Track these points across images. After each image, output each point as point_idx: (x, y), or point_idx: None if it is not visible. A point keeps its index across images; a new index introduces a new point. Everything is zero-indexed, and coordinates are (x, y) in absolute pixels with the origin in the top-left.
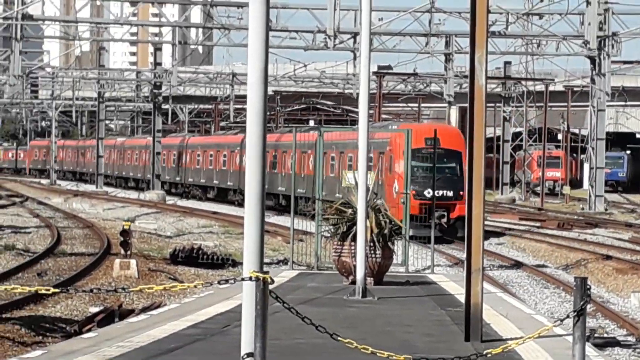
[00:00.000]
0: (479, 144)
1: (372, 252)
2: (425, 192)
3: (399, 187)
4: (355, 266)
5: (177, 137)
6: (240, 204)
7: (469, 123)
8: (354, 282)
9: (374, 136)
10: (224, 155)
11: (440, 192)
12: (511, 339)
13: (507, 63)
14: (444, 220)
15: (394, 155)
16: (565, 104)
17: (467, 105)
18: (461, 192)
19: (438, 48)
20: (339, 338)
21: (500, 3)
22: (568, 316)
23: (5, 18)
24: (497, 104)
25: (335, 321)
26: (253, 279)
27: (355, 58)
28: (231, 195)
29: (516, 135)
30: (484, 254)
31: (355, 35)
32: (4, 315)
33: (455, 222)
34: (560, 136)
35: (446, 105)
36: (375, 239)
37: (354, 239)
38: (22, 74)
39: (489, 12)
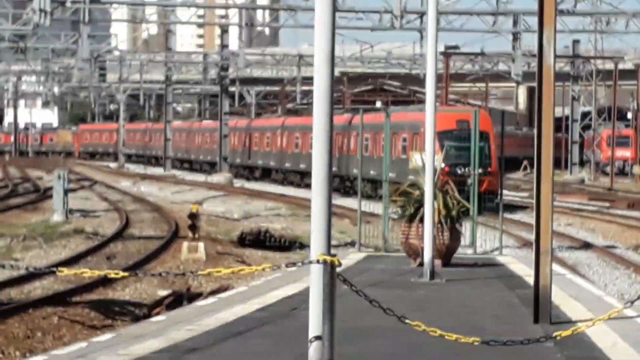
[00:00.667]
0: (547, 124)
1: (440, 234)
2: (457, 169)
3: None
4: (422, 248)
5: (243, 120)
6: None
7: (537, 103)
8: (421, 265)
9: (407, 117)
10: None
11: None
12: (581, 321)
13: (576, 41)
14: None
15: (420, 139)
16: (635, 82)
17: (535, 85)
18: (489, 169)
19: (505, 27)
20: (407, 321)
21: None
22: (639, 297)
23: (73, 2)
24: (566, 83)
25: (403, 304)
26: (320, 262)
27: (422, 38)
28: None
29: (585, 114)
30: (553, 235)
31: (422, 15)
32: (73, 299)
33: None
34: (629, 115)
35: (514, 85)
36: (442, 220)
37: (422, 220)
38: (90, 57)
39: None
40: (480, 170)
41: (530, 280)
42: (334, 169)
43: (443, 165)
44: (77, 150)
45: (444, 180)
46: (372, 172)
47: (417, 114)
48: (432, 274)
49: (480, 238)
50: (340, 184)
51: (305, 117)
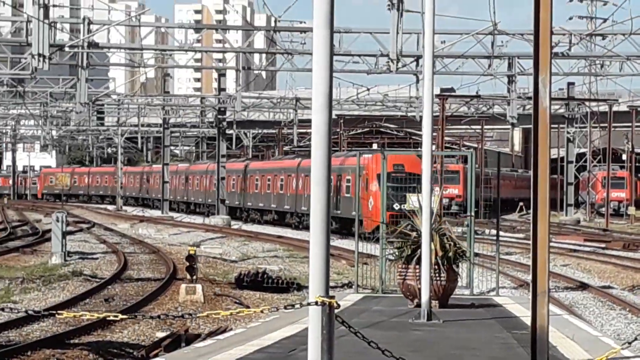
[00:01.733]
0: (543, 166)
1: (437, 275)
2: (394, 206)
3: (373, 202)
4: (420, 289)
5: (239, 163)
6: (296, 227)
7: (533, 145)
8: (419, 305)
9: (347, 162)
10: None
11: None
12: None
13: (571, 84)
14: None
15: (369, 178)
16: (630, 124)
17: (530, 126)
18: None
19: (501, 70)
20: None
21: (563, 24)
22: (636, 339)
23: (71, 46)
24: (561, 125)
25: (401, 345)
26: (319, 303)
27: (417, 81)
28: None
29: (580, 156)
30: (550, 275)
31: (417, 58)
32: (72, 341)
33: None
34: (624, 156)
35: (509, 127)
36: (439, 261)
37: (419, 262)
38: (88, 101)
39: (552, 33)
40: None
41: (527, 321)
42: (286, 206)
43: (397, 207)
44: (40, 192)
45: (441, 222)
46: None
47: (348, 159)
48: (430, 315)
49: (477, 279)
50: (292, 218)
51: (274, 161)
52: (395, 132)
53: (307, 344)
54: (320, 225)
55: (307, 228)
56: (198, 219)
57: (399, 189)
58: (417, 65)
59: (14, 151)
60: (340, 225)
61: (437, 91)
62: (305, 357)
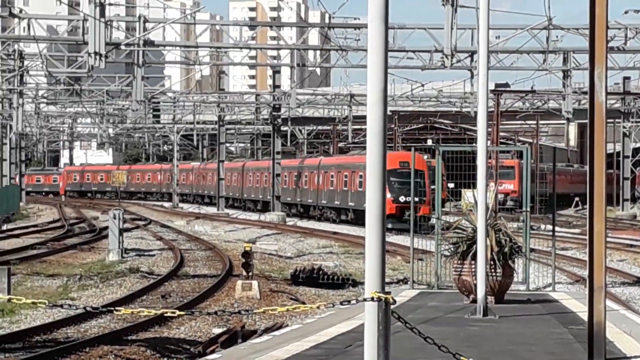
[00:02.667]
0: (599, 161)
1: (493, 270)
2: (400, 198)
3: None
4: (475, 285)
5: (296, 160)
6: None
7: (589, 140)
8: (474, 301)
9: (360, 160)
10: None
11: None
12: (635, 357)
13: (627, 78)
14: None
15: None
16: None
17: (586, 121)
18: (424, 198)
19: (556, 65)
20: (461, 358)
21: (618, 18)
22: None
23: (127, 44)
24: (617, 120)
25: (456, 340)
26: (375, 299)
27: (472, 76)
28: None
29: (636, 150)
30: (606, 271)
31: (472, 53)
32: (129, 337)
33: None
34: None
35: (564, 122)
36: (495, 257)
37: (474, 257)
38: (144, 99)
39: (607, 27)
40: (417, 199)
41: (584, 316)
42: (298, 199)
43: (402, 199)
44: (62, 190)
45: (496, 218)
46: (336, 202)
47: (354, 158)
48: (485, 311)
49: (533, 274)
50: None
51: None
52: (450, 128)
53: (363, 339)
54: (376, 222)
55: (327, 220)
56: (254, 216)
57: (404, 183)
58: (472, 60)
59: (71, 149)
60: (355, 216)
61: (491, 86)
62: (361, 353)
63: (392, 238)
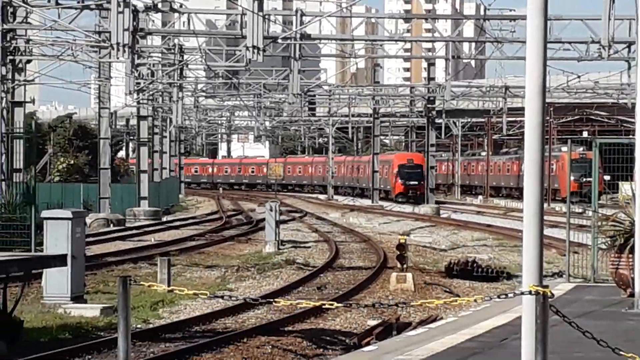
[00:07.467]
0: None
1: None
2: (406, 183)
3: (395, 181)
4: (633, 279)
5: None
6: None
7: None
8: (632, 295)
9: (384, 158)
10: None
11: (413, 182)
12: None
13: None
14: (415, 194)
15: (393, 166)
16: None
17: None
18: (422, 182)
19: None
20: (621, 352)
21: None
22: None
23: (284, 38)
24: None
25: (613, 335)
26: (533, 292)
27: (629, 67)
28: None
29: None
30: None
31: (630, 44)
32: (286, 329)
33: (420, 196)
34: None
35: None
36: None
37: (632, 251)
38: (300, 92)
39: None
40: (416, 183)
41: None
42: (348, 183)
43: (405, 182)
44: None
45: None
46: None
47: (387, 156)
48: None
49: None
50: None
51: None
52: (606, 120)
53: (519, 333)
54: (534, 215)
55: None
56: (407, 208)
57: (409, 173)
58: (629, 51)
59: (228, 142)
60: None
61: None
62: (517, 346)
63: (546, 231)
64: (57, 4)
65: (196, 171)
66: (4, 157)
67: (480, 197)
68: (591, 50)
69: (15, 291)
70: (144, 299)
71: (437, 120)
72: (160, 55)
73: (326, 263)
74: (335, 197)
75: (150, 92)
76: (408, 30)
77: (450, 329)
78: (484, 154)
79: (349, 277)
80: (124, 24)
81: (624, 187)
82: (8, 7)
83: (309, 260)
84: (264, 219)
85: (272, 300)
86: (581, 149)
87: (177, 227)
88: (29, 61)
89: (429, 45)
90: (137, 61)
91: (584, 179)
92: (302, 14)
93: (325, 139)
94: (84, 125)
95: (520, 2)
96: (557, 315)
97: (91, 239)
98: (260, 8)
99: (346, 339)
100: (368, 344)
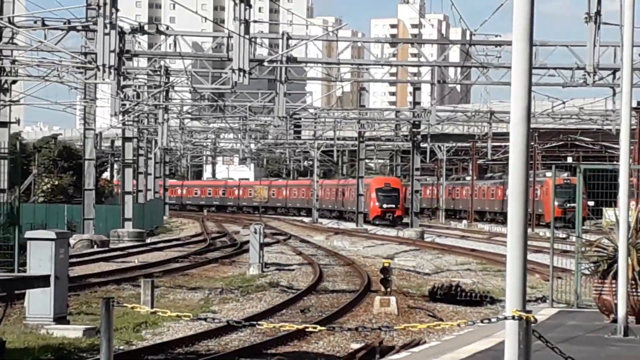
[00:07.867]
0: None
1: (634, 290)
2: (383, 205)
3: (373, 204)
4: (616, 304)
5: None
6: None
7: None
8: (615, 321)
9: (349, 182)
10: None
11: (389, 205)
12: None
13: None
14: (391, 217)
15: (370, 190)
16: None
17: None
18: (398, 205)
19: None
20: None
21: None
22: None
23: (270, 61)
24: None
25: None
26: (516, 317)
27: (614, 94)
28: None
29: None
30: None
31: (615, 71)
32: (269, 351)
33: (396, 219)
34: None
35: None
36: (637, 276)
37: (615, 276)
38: (286, 115)
39: None
40: (393, 206)
41: None
42: (329, 206)
43: (384, 206)
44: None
45: (638, 236)
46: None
47: (365, 180)
48: (626, 331)
49: None
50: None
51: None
52: (591, 146)
53: (502, 358)
54: (517, 240)
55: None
56: (392, 232)
57: (386, 197)
58: (614, 78)
59: (213, 164)
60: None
61: (634, 104)
62: None
63: (530, 256)
64: (44, 24)
65: (181, 193)
66: None
67: (464, 221)
68: (576, 77)
69: None
70: (127, 321)
71: (422, 145)
72: (146, 77)
73: (310, 286)
74: (320, 220)
75: (136, 114)
76: (394, 55)
77: (433, 353)
78: (468, 178)
79: (332, 300)
80: (110, 46)
81: (608, 213)
82: None
83: (293, 283)
84: (248, 241)
85: (255, 322)
86: (565, 174)
87: (161, 249)
88: (14, 82)
89: (415, 69)
90: (122, 83)
91: (568, 205)
92: (289, 37)
93: (311, 162)
94: (68, 146)
95: (505, 28)
96: (540, 340)
97: (75, 259)
98: (247, 31)
99: None
100: None
